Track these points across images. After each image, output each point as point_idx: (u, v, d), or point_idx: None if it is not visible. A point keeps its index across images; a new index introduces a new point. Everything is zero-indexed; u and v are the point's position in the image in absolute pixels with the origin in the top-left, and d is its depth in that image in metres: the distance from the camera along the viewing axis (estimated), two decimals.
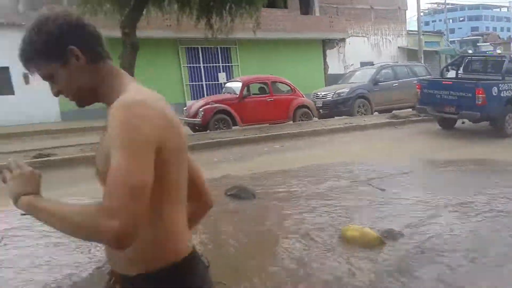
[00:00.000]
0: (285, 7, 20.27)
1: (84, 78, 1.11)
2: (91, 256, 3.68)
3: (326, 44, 22.28)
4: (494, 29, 69.09)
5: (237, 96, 11.75)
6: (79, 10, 9.23)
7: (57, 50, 1.08)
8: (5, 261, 3.68)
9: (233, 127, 11.56)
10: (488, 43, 32.34)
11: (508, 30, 71.35)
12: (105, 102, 1.13)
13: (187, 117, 11.64)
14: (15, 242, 4.10)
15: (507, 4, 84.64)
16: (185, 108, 12.46)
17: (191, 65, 18.70)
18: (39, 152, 8.48)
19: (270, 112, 12.04)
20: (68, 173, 7.24)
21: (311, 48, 21.54)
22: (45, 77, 1.12)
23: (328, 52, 22.49)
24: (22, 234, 4.24)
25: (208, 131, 11.19)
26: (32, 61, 1.10)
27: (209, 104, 11.52)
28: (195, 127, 11.66)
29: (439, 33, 37.11)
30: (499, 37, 41.64)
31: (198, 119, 11.31)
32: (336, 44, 22.68)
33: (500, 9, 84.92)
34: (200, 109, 11.36)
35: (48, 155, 8.31)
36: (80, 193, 5.23)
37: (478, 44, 34.06)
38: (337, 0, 23.92)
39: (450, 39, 43.32)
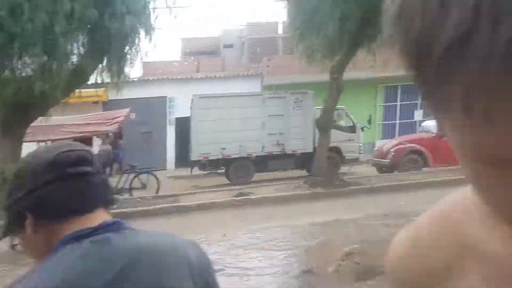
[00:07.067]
0: None
1: None
2: None
3: None
4: None
5: (434, 135, 10.99)
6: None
7: None
8: None
9: (423, 169, 10.85)
10: None
11: None
12: None
13: (375, 157, 11.54)
14: None
15: None
16: (375, 148, 12.31)
17: (387, 104, 18.32)
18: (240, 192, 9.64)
19: None
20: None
21: None
22: None
23: None
24: None
25: (395, 172, 10.74)
26: None
27: (402, 144, 11.13)
28: (382, 168, 11.40)
29: None
30: None
31: (387, 160, 11.04)
32: None
33: None
34: (391, 150, 11.06)
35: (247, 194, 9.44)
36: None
37: None
38: None
39: None
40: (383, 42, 10.44)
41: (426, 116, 17.40)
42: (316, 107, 11.63)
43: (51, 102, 7.76)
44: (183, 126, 14.79)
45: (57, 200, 0.85)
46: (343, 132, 12.15)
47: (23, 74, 7.22)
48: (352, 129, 12.54)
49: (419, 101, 18.50)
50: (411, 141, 11.24)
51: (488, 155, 0.31)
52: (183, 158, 15.02)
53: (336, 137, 11.16)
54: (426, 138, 11.15)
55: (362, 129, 12.82)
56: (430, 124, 11.91)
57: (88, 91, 10.55)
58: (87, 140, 10.18)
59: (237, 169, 12.04)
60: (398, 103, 18.40)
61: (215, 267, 1.41)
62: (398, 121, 18.48)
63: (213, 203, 8.75)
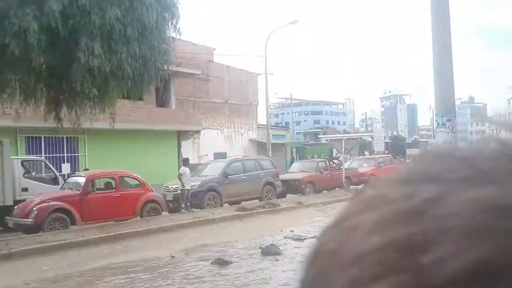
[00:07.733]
0: (141, 99, 20.38)
1: None
2: None
3: (181, 135, 22.84)
4: (333, 122, 79.70)
5: (80, 192, 11.06)
6: None
7: None
8: None
9: (72, 227, 10.66)
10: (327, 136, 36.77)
11: (344, 123, 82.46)
12: None
13: (16, 217, 10.46)
14: None
15: (343, 102, 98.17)
16: (15, 207, 10.97)
17: (31, 156, 17.17)
18: None
19: (115, 208, 11.48)
20: None
21: (166, 139, 21.77)
22: None
23: (183, 143, 22.99)
24: None
25: (40, 233, 10.09)
26: None
27: (45, 202, 10.56)
28: (26, 228, 10.39)
29: (286, 127, 41.43)
30: (336, 130, 47.75)
31: (29, 220, 10.20)
32: (191, 135, 23.42)
33: (337, 106, 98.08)
34: (34, 208, 10.30)
35: None
36: None
37: (319, 136, 38.66)
38: (193, 93, 24.97)
39: (296, 131, 48.84)
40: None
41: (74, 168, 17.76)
42: None
43: None
44: None
45: None
46: None
47: None
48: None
49: (65, 154, 18.56)
50: (55, 199, 10.78)
51: None
52: None
53: None
54: (71, 194, 11.11)
55: None
56: (76, 180, 12.00)
57: None
58: None
59: None
60: (43, 155, 17.49)
61: None
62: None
63: None
